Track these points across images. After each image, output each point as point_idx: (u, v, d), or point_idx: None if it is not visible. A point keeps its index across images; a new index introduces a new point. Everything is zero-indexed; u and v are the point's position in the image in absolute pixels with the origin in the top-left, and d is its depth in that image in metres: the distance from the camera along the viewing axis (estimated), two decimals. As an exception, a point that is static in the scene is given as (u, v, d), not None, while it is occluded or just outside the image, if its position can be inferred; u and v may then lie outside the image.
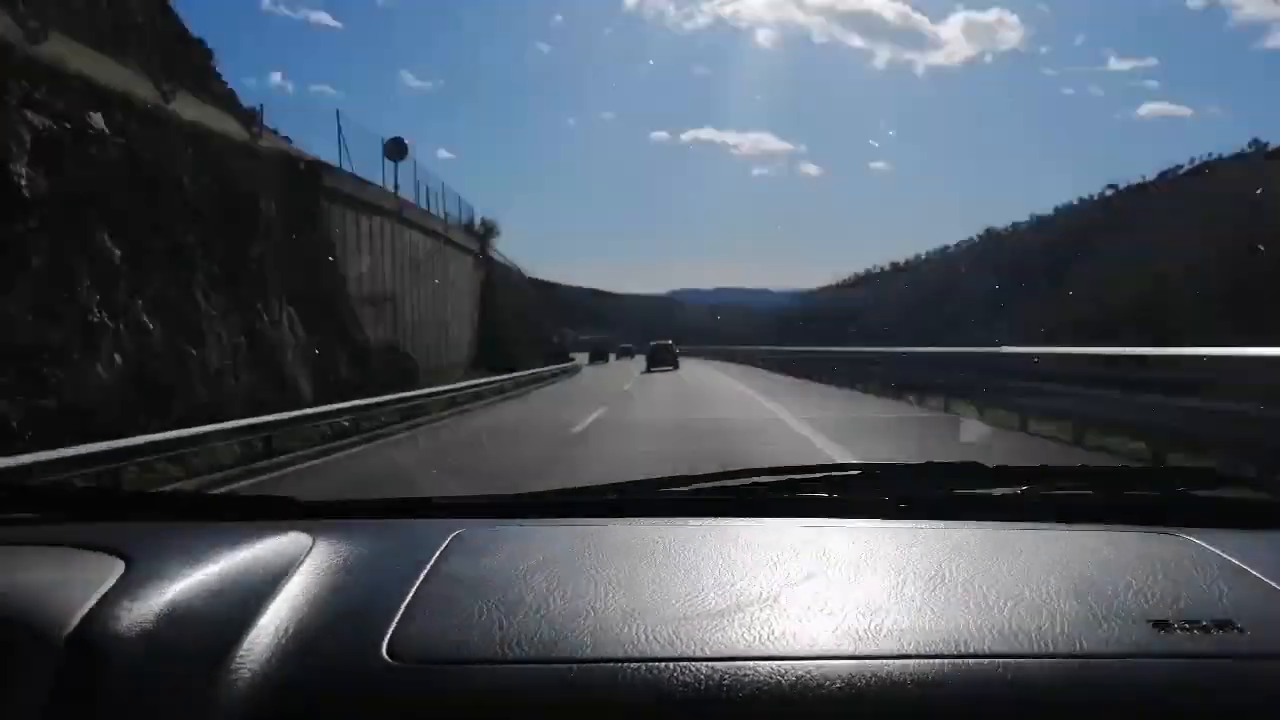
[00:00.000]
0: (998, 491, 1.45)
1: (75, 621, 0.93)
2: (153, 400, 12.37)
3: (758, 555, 1.18)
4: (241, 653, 0.95)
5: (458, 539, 1.26)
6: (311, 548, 1.20)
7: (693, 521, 1.35)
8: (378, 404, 17.21)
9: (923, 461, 1.55)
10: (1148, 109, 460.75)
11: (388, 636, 0.98)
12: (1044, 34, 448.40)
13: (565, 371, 46.77)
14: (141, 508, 1.58)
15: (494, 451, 13.63)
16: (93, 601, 0.96)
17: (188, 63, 22.06)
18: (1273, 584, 1.08)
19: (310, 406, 16.76)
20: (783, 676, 0.90)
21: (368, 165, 28.12)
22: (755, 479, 1.53)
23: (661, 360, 45.04)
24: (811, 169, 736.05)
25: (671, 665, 0.91)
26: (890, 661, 0.92)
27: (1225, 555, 1.16)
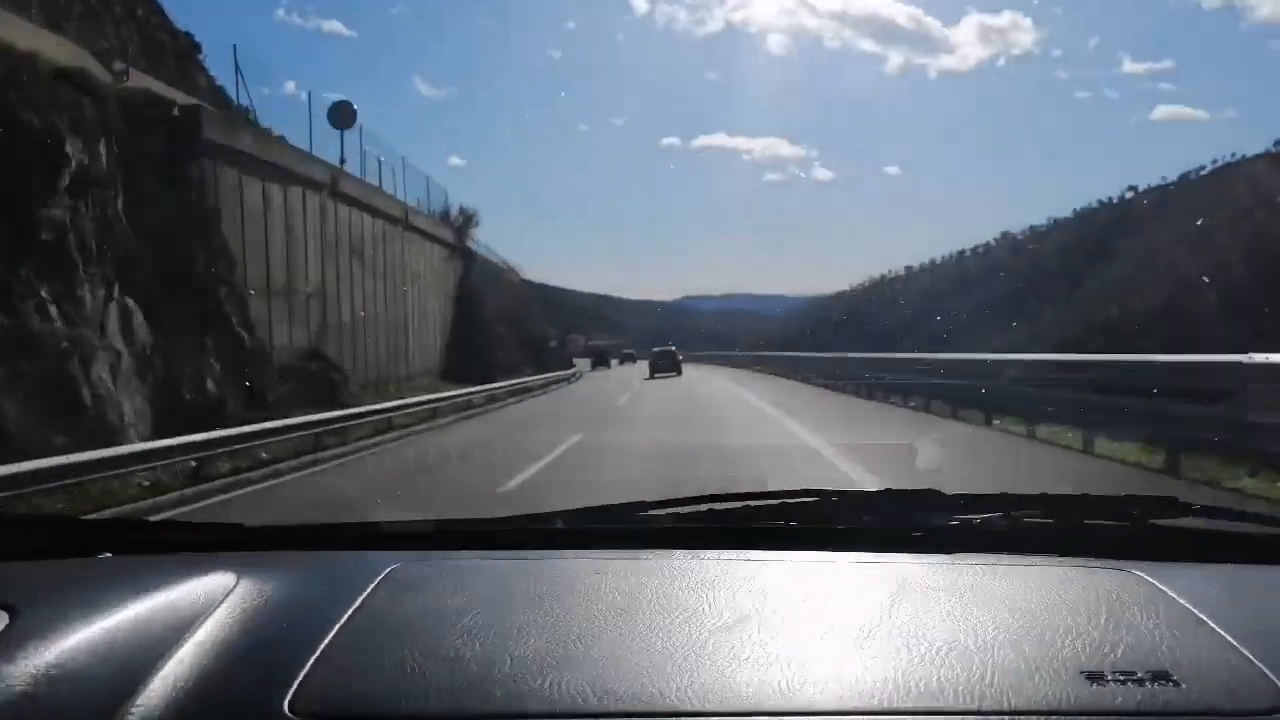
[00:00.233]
0: (954, 520, 1.42)
1: None
2: None
3: (695, 595, 1.15)
4: (134, 709, 0.90)
5: (391, 575, 1.22)
6: (234, 586, 1.16)
7: (640, 554, 1.33)
8: (214, 441, 11.37)
9: (880, 489, 1.53)
10: (1162, 112, 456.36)
11: (293, 688, 0.94)
12: (1057, 37, 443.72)
13: (558, 381, 41.25)
14: (32, 540, 1.48)
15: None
16: None
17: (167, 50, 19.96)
18: (1217, 629, 1.05)
19: (137, 440, 11.30)
20: None
21: (323, 143, 22.80)
22: (710, 505, 1.49)
23: (664, 367, 43.21)
24: (824, 174, 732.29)
25: None
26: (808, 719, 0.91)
27: (1174, 595, 1.13)
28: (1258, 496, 7.98)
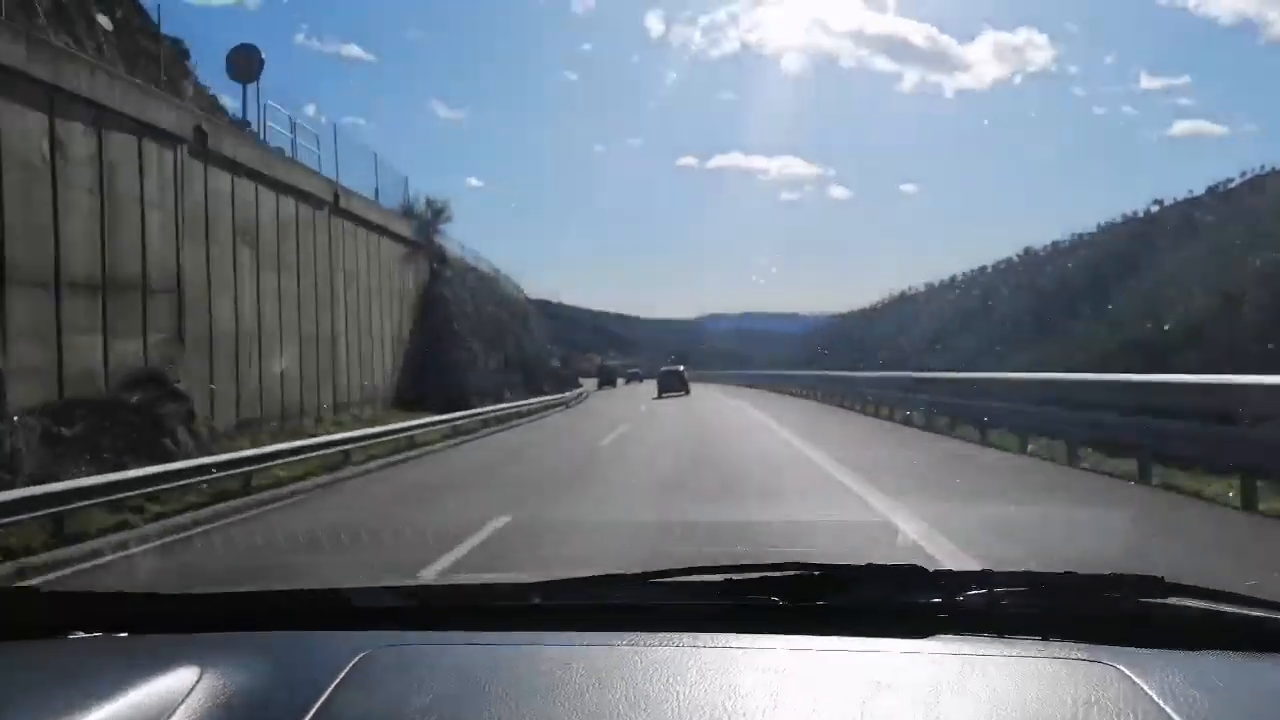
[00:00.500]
0: (936, 599, 1.37)
1: None
2: None
3: (667, 689, 1.12)
4: None
5: (360, 664, 1.20)
6: (196, 682, 1.13)
7: (613, 638, 1.31)
8: None
9: (863, 564, 1.44)
10: (1181, 127, 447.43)
11: None
12: (1074, 53, 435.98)
13: (550, 407, 34.77)
14: None
15: None
16: None
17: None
18: None
19: None
20: None
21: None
22: (692, 577, 1.47)
23: (672, 386, 41.65)
24: (840, 192, 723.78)
25: None
26: None
27: (1153, 695, 1.08)
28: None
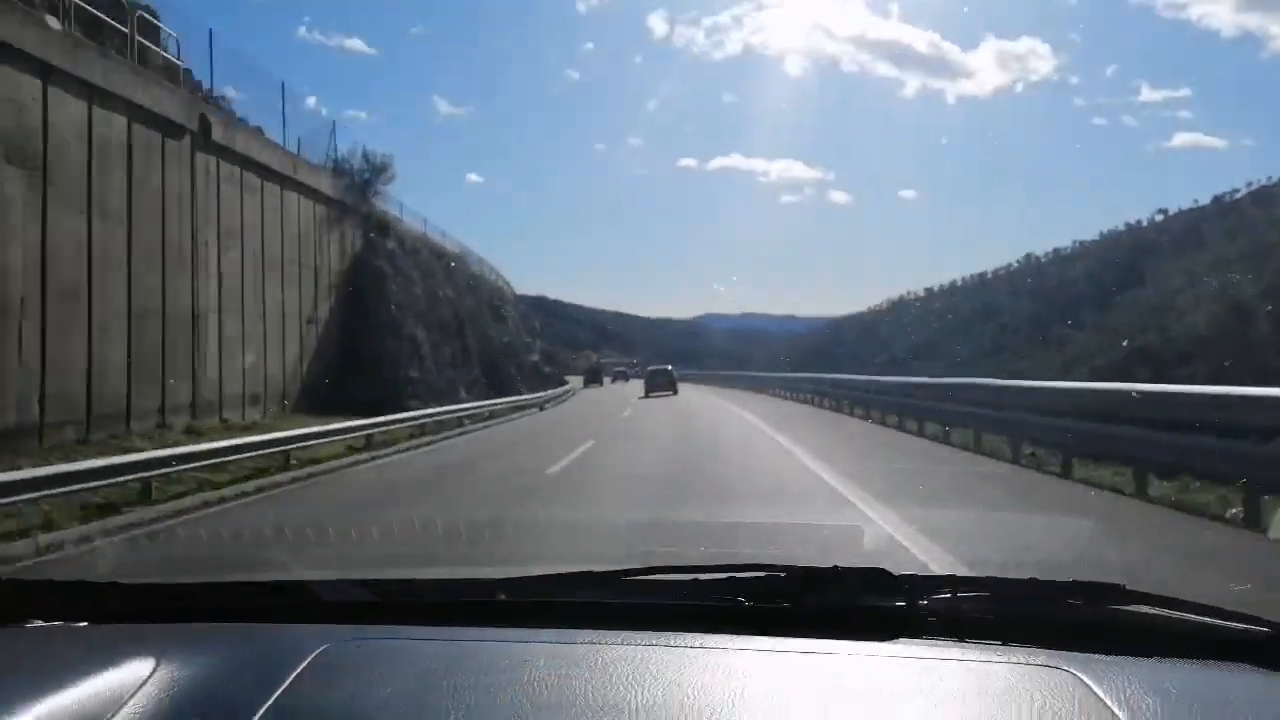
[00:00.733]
0: (899, 603, 1.37)
1: None
2: None
3: (627, 689, 1.12)
4: None
5: (319, 658, 1.19)
6: (151, 673, 1.13)
7: (577, 635, 1.30)
8: None
9: (830, 566, 1.42)
10: (1181, 139, 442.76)
11: None
12: (1075, 63, 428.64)
13: (520, 409, 29.43)
14: None
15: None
16: None
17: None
18: None
19: None
20: None
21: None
22: (659, 575, 1.47)
23: (660, 385, 40.92)
24: (840, 196, 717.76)
25: None
26: None
27: (1107, 701, 1.10)
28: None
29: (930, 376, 22.70)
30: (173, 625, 1.34)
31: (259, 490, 11.33)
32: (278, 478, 12.23)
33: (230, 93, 20.16)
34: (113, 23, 15.45)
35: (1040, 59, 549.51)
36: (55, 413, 12.82)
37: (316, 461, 14.01)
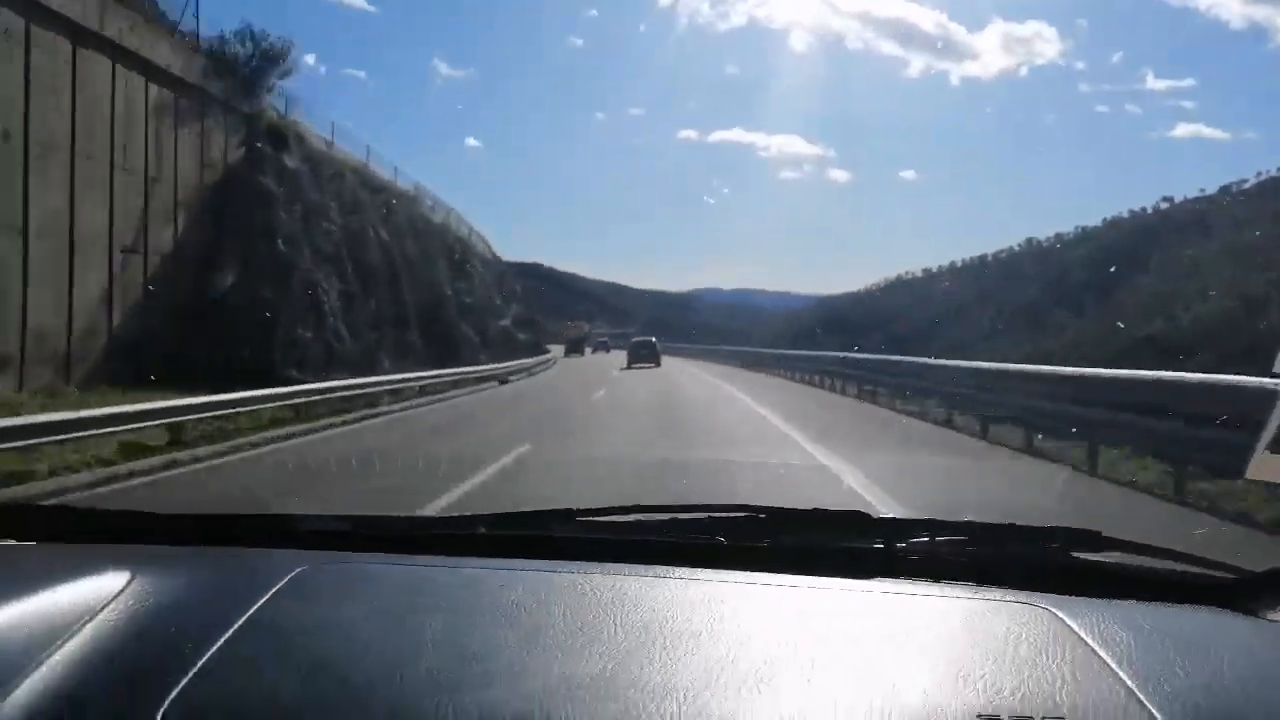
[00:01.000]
0: (878, 544, 1.39)
1: None
2: None
3: (605, 615, 1.12)
4: None
5: (296, 578, 1.19)
6: (127, 584, 1.12)
7: (556, 566, 1.30)
8: None
9: (810, 508, 1.46)
10: (1183, 130, 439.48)
11: (166, 704, 0.90)
12: (1081, 49, 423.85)
13: (461, 384, 24.40)
14: None
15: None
16: None
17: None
18: (1120, 674, 1.04)
19: None
20: None
21: None
22: (638, 515, 1.48)
23: (643, 357, 42.79)
24: (840, 174, 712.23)
25: None
26: None
27: (1082, 634, 1.11)
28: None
29: (930, 359, 22.64)
30: (150, 546, 1.34)
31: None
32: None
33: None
34: None
35: (1046, 43, 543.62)
36: None
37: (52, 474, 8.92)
